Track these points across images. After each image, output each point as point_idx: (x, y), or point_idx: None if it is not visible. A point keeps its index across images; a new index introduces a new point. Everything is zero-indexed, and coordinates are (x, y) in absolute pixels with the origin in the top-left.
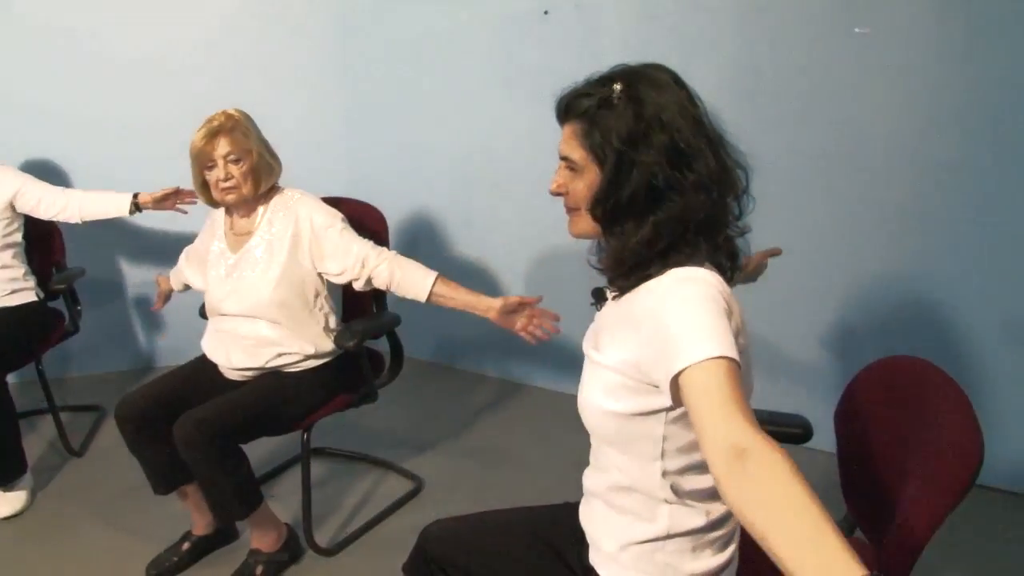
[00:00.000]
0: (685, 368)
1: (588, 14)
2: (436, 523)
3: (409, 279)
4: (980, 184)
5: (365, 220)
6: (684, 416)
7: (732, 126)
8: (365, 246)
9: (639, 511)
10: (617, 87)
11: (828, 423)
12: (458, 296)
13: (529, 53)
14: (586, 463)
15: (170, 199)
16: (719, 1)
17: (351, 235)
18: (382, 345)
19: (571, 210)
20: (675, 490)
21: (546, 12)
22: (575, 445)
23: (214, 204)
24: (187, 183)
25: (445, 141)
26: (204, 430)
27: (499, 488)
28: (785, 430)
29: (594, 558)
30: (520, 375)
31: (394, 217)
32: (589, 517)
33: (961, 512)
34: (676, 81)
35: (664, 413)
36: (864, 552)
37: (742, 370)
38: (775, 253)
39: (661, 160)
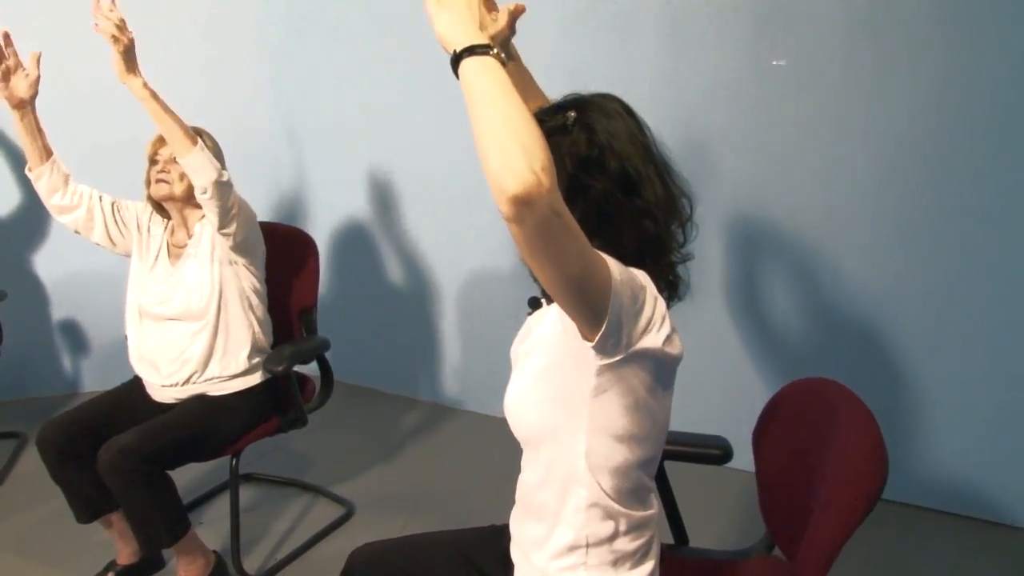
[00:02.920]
0: None
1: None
2: (363, 546)
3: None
4: (904, 200)
5: (296, 245)
6: (607, 394)
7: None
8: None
9: (557, 510)
10: (571, 115)
11: (748, 444)
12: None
13: (452, 81)
14: (498, 518)
15: None
16: (642, 26)
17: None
18: (312, 369)
19: None
20: (595, 487)
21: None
22: (505, 469)
23: (154, 205)
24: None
25: (360, 158)
26: (129, 456)
27: (429, 512)
28: (705, 451)
29: (520, 574)
30: (450, 399)
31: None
32: (516, 524)
33: (883, 527)
34: (626, 110)
35: (590, 394)
36: (780, 569)
37: (618, 331)
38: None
39: (610, 186)
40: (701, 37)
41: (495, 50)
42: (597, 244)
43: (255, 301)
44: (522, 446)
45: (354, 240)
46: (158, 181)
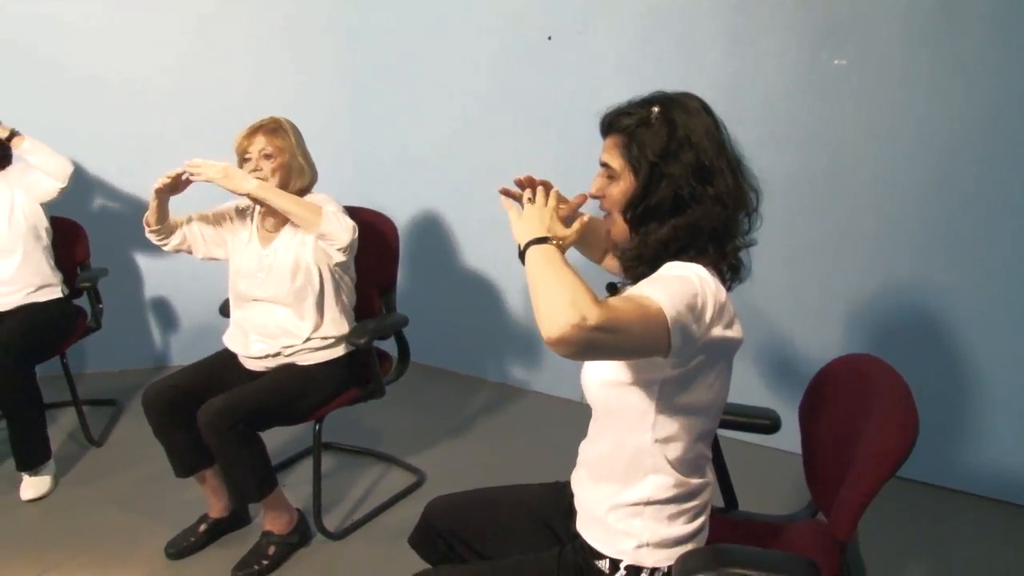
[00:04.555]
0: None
1: (588, 40)
2: (439, 498)
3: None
4: (950, 201)
5: (376, 226)
6: (675, 381)
7: None
8: (330, 206)
9: (625, 477)
10: (655, 110)
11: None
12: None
13: (532, 74)
14: (563, 474)
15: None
16: (708, 32)
17: (332, 208)
18: (388, 347)
19: (606, 213)
20: (660, 458)
21: (550, 37)
22: (568, 446)
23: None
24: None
25: (445, 153)
26: (225, 417)
27: (496, 481)
28: (756, 421)
29: (580, 523)
30: (517, 380)
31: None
32: (579, 483)
33: (934, 515)
34: (705, 109)
35: (662, 381)
36: (821, 530)
37: (685, 349)
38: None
39: (687, 174)
40: (764, 41)
41: (553, 240)
42: (671, 225)
43: (343, 281)
44: (594, 413)
45: (428, 227)
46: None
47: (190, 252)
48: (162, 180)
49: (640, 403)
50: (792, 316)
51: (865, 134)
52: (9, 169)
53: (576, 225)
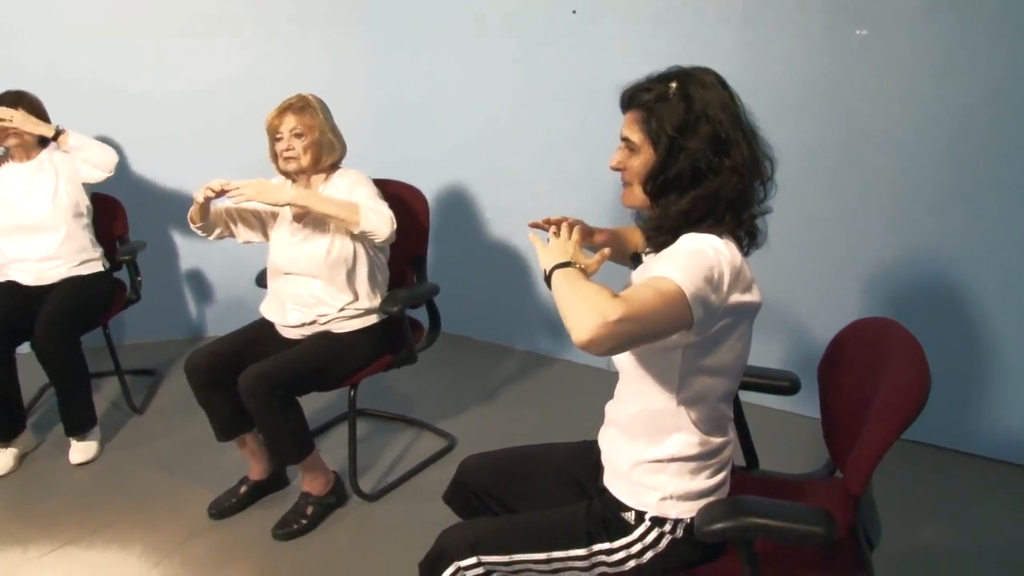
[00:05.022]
0: (652, 276)
1: (610, 13)
2: (472, 456)
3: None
4: (968, 170)
5: (406, 199)
6: (698, 346)
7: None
8: (368, 202)
9: (651, 436)
10: (673, 85)
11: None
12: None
13: (556, 47)
14: (590, 434)
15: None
16: (727, 2)
17: (367, 194)
18: (420, 316)
19: (626, 184)
20: (684, 417)
21: (574, 11)
22: (593, 410)
23: (283, 173)
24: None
25: (473, 124)
26: (265, 382)
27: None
28: (777, 383)
29: (607, 478)
30: (545, 349)
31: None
32: (606, 440)
33: (948, 477)
34: (720, 83)
35: (686, 346)
36: (837, 486)
37: (706, 319)
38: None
39: (704, 147)
40: (782, 11)
41: (576, 265)
42: (691, 196)
43: (377, 256)
44: (621, 376)
45: (457, 198)
46: (286, 159)
47: (233, 237)
48: (205, 194)
49: (665, 367)
50: (811, 282)
51: (883, 103)
52: (53, 147)
53: (597, 257)
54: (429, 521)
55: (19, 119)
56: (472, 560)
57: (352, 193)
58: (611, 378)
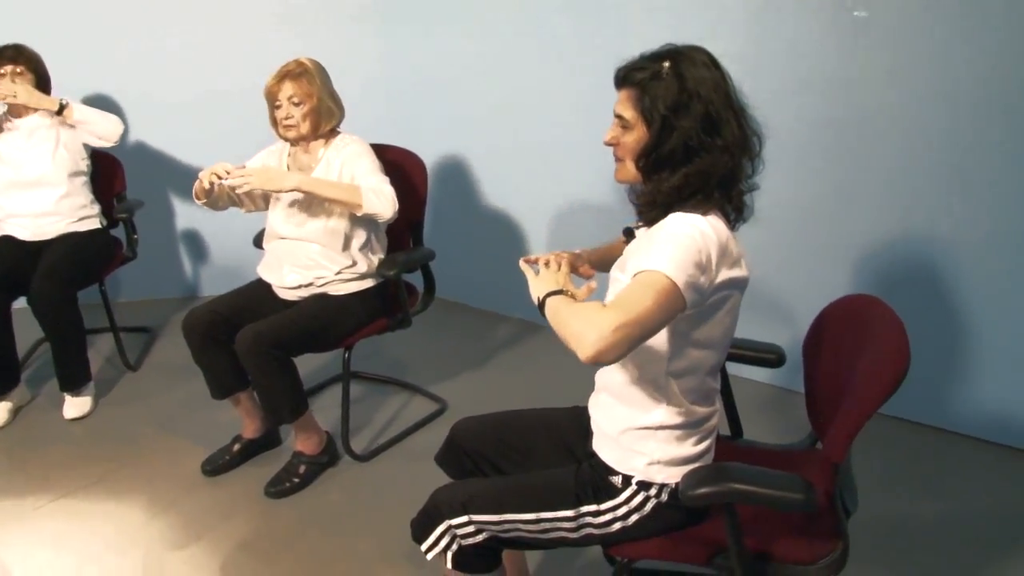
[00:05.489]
0: (641, 271)
1: None
2: (465, 419)
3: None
4: (961, 153)
5: (405, 166)
6: (687, 320)
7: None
8: (373, 180)
9: (640, 404)
10: (666, 64)
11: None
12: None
13: (560, 16)
14: (581, 399)
15: None
16: None
17: (368, 168)
18: (415, 280)
19: (618, 159)
20: (673, 387)
21: None
22: (582, 378)
23: (283, 139)
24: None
25: (470, 90)
26: (262, 341)
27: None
28: (763, 356)
29: (596, 443)
30: (536, 316)
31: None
32: (596, 406)
33: (928, 454)
34: (712, 62)
35: (678, 320)
36: (818, 457)
37: (699, 299)
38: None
39: (696, 126)
40: None
41: (566, 291)
42: (683, 173)
43: (374, 223)
44: None
45: (453, 165)
46: (286, 126)
47: (239, 208)
48: (211, 179)
49: (656, 339)
50: (802, 258)
51: (884, 83)
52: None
53: (584, 289)
54: (420, 482)
55: (23, 95)
56: (463, 519)
57: (353, 165)
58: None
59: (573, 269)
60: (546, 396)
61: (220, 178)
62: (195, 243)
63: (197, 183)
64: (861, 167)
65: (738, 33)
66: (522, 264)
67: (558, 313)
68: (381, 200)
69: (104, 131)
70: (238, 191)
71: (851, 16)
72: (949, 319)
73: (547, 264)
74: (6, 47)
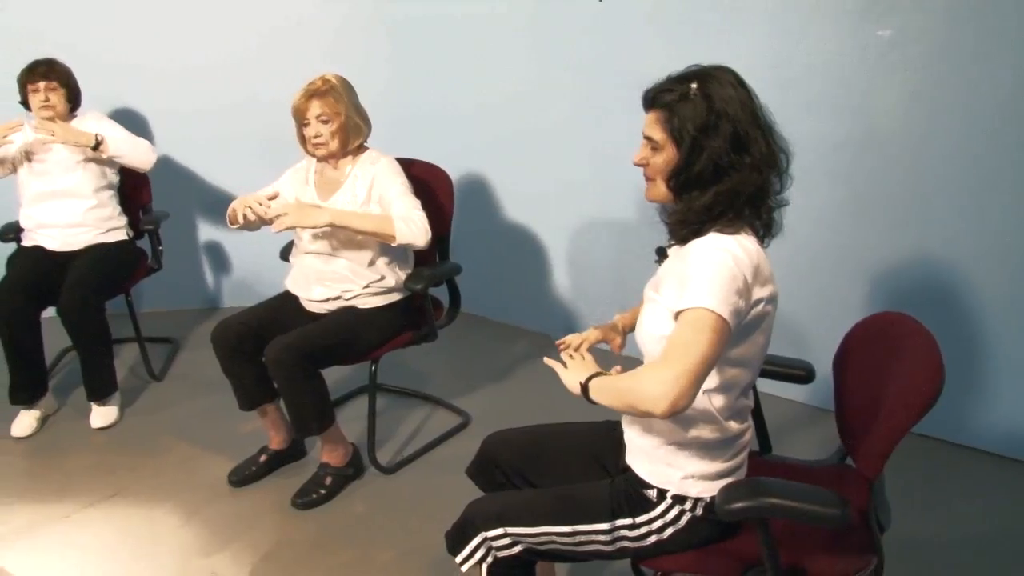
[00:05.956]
0: (684, 309)
1: (635, 3)
2: (497, 432)
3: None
4: (981, 169)
5: (431, 181)
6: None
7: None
8: (403, 205)
9: (677, 420)
10: (693, 86)
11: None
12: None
13: (581, 36)
14: (612, 414)
15: None
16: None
17: (399, 191)
18: (439, 294)
19: (649, 179)
20: (708, 405)
21: (600, 0)
22: None
23: (312, 156)
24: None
25: (491, 110)
26: (292, 354)
27: (539, 422)
28: (792, 371)
29: (630, 457)
30: (555, 331)
31: None
32: (631, 422)
33: (945, 469)
34: (739, 82)
35: None
36: (849, 473)
37: (739, 323)
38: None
39: (725, 146)
40: (809, 9)
41: (602, 374)
42: (713, 192)
43: None
44: (647, 362)
45: (473, 180)
46: (315, 144)
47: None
48: (245, 214)
49: None
50: (828, 276)
51: (906, 103)
52: (83, 115)
53: (612, 372)
54: (445, 495)
55: (60, 133)
56: (499, 531)
57: (383, 186)
58: (617, 361)
59: (608, 340)
60: (567, 410)
61: (256, 219)
62: (217, 254)
63: (231, 211)
64: (878, 185)
65: (760, 52)
66: (548, 361)
67: (610, 388)
68: (413, 229)
69: (138, 162)
70: (273, 229)
71: (874, 35)
72: (965, 335)
73: (571, 352)
74: (38, 63)
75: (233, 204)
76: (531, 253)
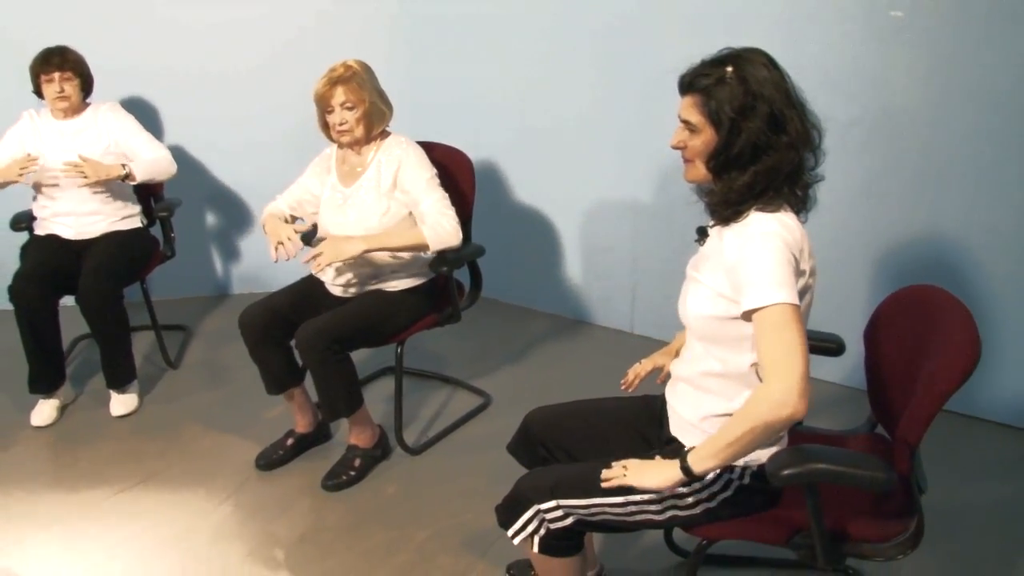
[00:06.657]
0: (757, 308)
1: None
2: (538, 409)
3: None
4: (994, 148)
5: (452, 164)
6: None
7: None
8: (431, 203)
9: (723, 392)
10: (729, 69)
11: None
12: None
13: (599, 23)
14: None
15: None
16: None
17: (425, 182)
18: (461, 276)
19: (687, 161)
20: (754, 377)
21: None
22: (620, 371)
23: (335, 143)
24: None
25: (508, 93)
26: (322, 337)
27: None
28: (824, 345)
29: (675, 428)
30: (571, 312)
31: None
32: (675, 394)
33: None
34: (771, 62)
35: None
36: (879, 442)
37: (803, 303)
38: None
39: (762, 126)
40: None
41: (684, 451)
42: (752, 171)
43: None
44: (696, 340)
45: (490, 164)
46: (340, 132)
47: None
48: (281, 252)
49: (740, 333)
50: (852, 253)
51: (919, 81)
52: (98, 105)
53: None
54: (472, 473)
55: (90, 172)
56: (552, 503)
57: (408, 178)
58: (633, 341)
59: (659, 368)
60: (586, 389)
61: (294, 251)
62: (227, 241)
63: (272, 251)
64: (890, 165)
65: (774, 34)
66: (610, 484)
67: (720, 446)
68: (442, 235)
69: (161, 177)
70: (314, 271)
71: (887, 16)
72: (980, 310)
73: (623, 466)
74: (51, 52)
75: (268, 233)
76: (545, 236)
